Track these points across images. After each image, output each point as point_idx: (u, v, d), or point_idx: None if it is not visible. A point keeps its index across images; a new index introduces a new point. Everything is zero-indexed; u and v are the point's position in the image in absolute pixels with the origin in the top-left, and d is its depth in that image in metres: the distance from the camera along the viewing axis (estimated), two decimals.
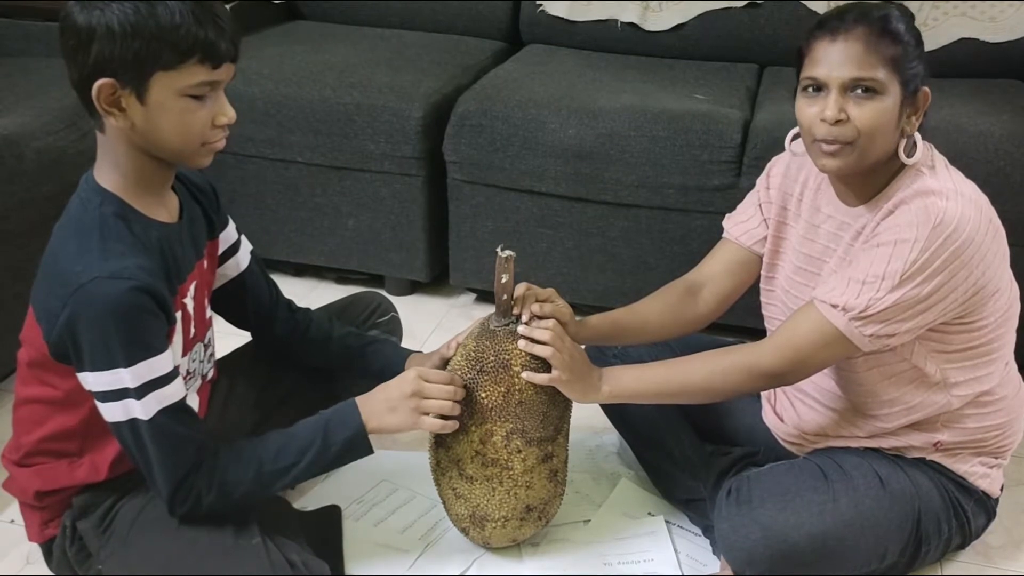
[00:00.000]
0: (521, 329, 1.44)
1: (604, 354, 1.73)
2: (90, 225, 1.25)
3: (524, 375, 1.43)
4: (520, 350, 1.44)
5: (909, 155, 1.36)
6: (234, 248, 1.55)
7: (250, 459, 1.34)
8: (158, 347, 1.25)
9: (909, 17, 1.34)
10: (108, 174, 1.28)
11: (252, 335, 1.67)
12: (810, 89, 1.34)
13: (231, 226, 1.54)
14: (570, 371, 1.42)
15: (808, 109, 1.34)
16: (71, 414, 1.34)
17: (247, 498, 1.36)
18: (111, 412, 1.26)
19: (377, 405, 1.41)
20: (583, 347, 1.64)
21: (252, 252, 1.59)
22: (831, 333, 1.34)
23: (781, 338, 1.39)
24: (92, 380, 1.24)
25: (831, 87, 1.31)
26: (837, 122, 1.30)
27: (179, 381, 1.30)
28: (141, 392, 1.24)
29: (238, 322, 1.63)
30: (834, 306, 1.33)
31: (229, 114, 1.26)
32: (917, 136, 1.36)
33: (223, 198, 1.52)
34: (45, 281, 1.27)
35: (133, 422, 1.25)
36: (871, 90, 1.29)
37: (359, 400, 1.42)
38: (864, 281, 1.31)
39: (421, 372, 1.42)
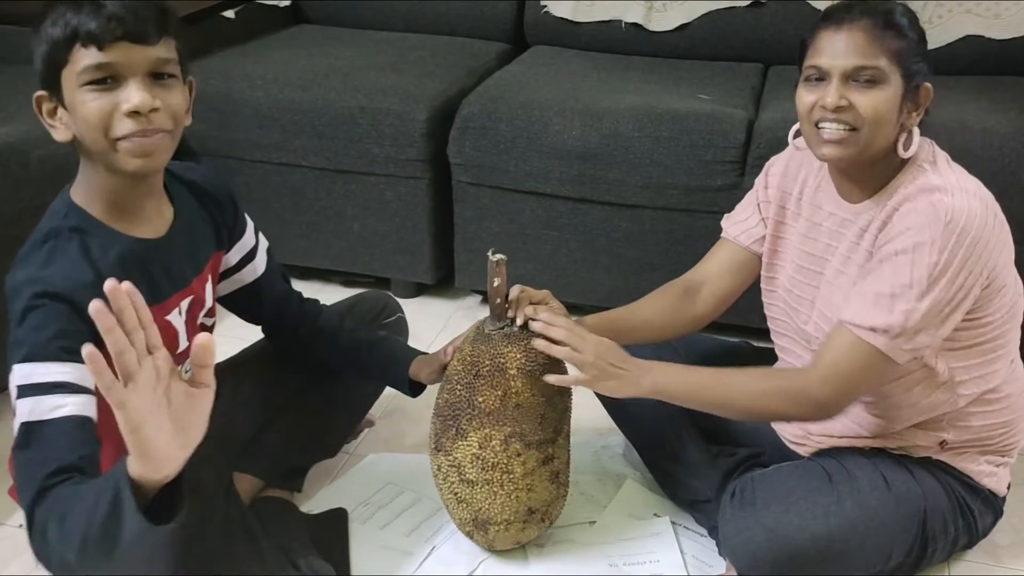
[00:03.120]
0: (536, 326, 1.42)
1: None
2: (44, 236, 1.23)
3: (550, 379, 1.41)
4: (515, 354, 1.44)
5: (907, 150, 1.36)
6: (251, 255, 1.54)
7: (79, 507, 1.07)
8: (54, 355, 1.15)
9: (913, 15, 1.36)
10: (80, 188, 1.26)
11: (263, 330, 1.67)
12: (813, 78, 1.35)
13: (249, 232, 1.53)
14: (597, 369, 1.40)
15: (808, 97, 1.35)
16: None
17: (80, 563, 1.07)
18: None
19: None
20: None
21: (268, 251, 1.58)
22: (875, 355, 1.32)
23: (827, 367, 1.35)
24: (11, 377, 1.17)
25: (833, 75, 1.32)
26: (839, 109, 1.31)
27: (73, 399, 1.15)
28: (21, 392, 1.15)
29: (252, 319, 1.63)
30: (873, 329, 1.31)
31: (132, 100, 1.14)
32: (916, 132, 1.36)
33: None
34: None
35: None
36: (873, 79, 1.31)
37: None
38: (893, 294, 1.31)
39: None
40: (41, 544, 1.10)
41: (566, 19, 2.65)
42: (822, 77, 1.34)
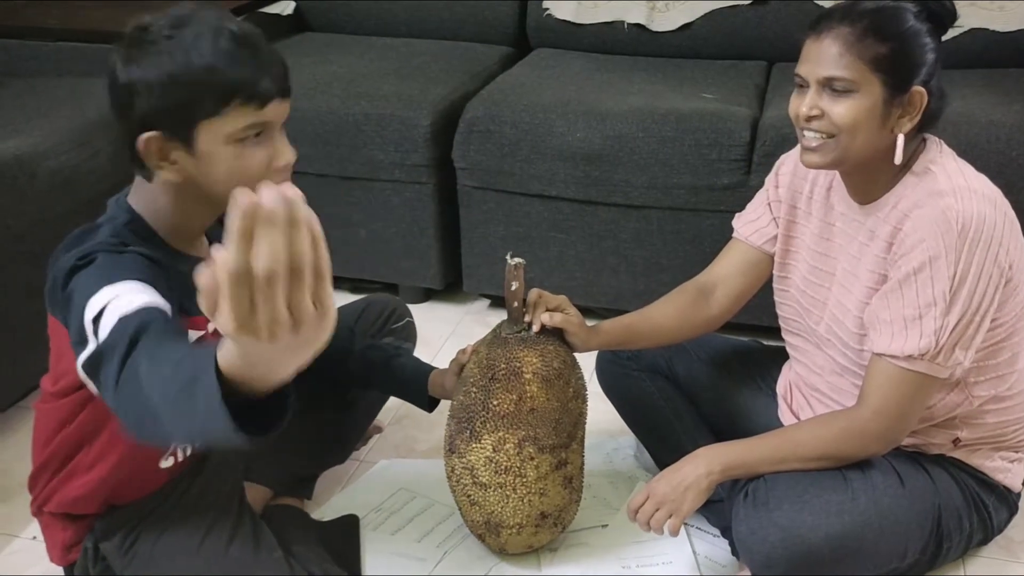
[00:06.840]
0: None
1: (619, 356, 1.72)
2: (103, 228, 1.20)
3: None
4: (531, 358, 1.44)
5: (911, 154, 1.36)
6: None
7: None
8: (133, 277, 1.11)
9: (913, 13, 1.31)
10: (144, 203, 1.24)
11: None
12: (798, 85, 1.37)
13: None
14: (671, 501, 1.40)
15: (793, 103, 1.37)
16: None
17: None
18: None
19: None
20: (596, 351, 1.64)
21: None
22: (919, 380, 1.34)
23: (877, 401, 1.36)
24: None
25: (810, 84, 1.33)
26: (811, 118, 1.33)
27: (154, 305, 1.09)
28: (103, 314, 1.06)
29: None
30: (910, 357, 1.32)
31: (287, 156, 1.18)
32: (901, 139, 1.33)
33: None
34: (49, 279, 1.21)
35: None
36: (847, 89, 1.30)
37: None
38: (920, 316, 1.31)
39: None
40: (128, 388, 0.98)
41: (568, 21, 2.65)
42: (803, 84, 1.35)
